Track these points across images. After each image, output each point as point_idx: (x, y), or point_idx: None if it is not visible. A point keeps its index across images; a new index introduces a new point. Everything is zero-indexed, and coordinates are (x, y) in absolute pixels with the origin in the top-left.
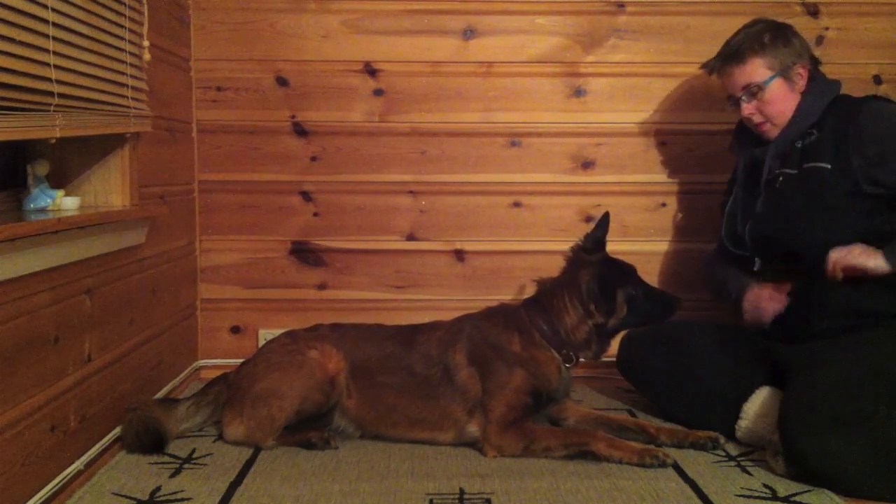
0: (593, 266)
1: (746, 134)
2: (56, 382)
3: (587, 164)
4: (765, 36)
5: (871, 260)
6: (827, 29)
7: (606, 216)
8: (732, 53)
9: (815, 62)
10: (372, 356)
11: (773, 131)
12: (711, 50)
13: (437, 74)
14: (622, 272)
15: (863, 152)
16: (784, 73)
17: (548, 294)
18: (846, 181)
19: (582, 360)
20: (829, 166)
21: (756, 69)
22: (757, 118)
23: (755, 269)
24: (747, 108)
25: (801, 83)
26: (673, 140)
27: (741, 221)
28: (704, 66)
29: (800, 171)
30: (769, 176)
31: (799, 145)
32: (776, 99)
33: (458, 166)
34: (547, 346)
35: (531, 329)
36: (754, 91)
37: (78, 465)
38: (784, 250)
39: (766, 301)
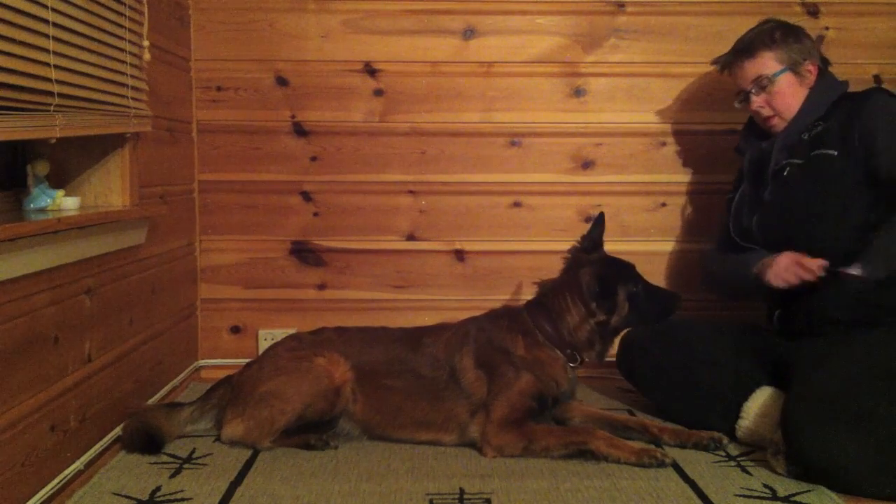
0: (593, 265)
1: (754, 131)
2: (56, 382)
3: (587, 164)
4: (776, 32)
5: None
6: (827, 29)
7: (601, 216)
8: (744, 48)
9: (825, 62)
10: (378, 359)
11: (781, 125)
12: (711, 50)
13: (437, 74)
14: (622, 269)
15: (867, 140)
16: (793, 67)
17: (549, 295)
18: (852, 168)
19: (586, 360)
20: (836, 153)
21: (766, 62)
22: (766, 111)
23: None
24: (757, 101)
25: (811, 79)
26: (673, 140)
27: (748, 214)
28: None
29: (807, 160)
30: (776, 167)
31: (806, 136)
32: (785, 92)
33: (458, 166)
34: (551, 346)
35: (534, 331)
36: (764, 84)
37: (78, 465)
38: (794, 240)
39: (799, 268)
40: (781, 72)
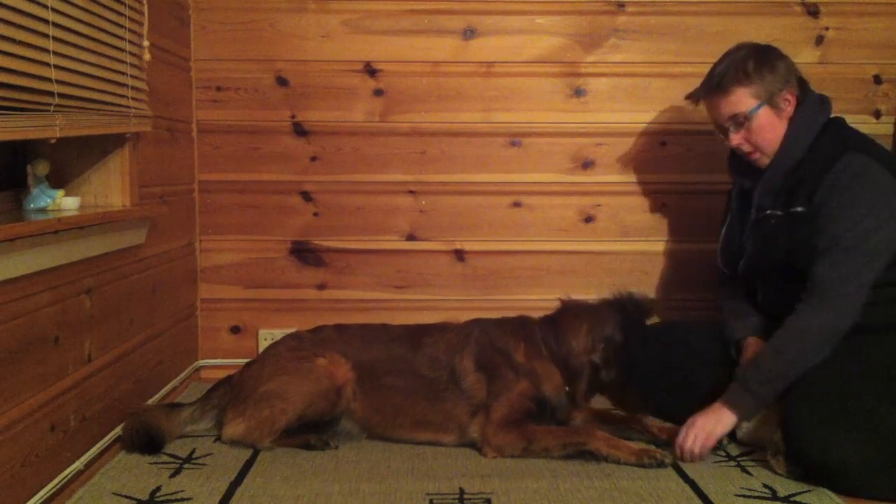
0: (629, 317)
1: (739, 160)
2: (56, 382)
3: (587, 164)
4: (749, 63)
5: (719, 428)
6: (827, 29)
7: (655, 304)
8: (716, 84)
9: (802, 85)
10: (378, 358)
11: (763, 160)
12: (711, 50)
13: (437, 74)
14: (650, 345)
15: (823, 209)
16: (770, 100)
17: (568, 314)
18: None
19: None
20: (806, 211)
21: (741, 99)
22: (746, 147)
23: (759, 297)
24: (735, 138)
25: (789, 109)
26: (673, 140)
27: (736, 252)
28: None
29: (786, 215)
30: (758, 215)
31: (788, 181)
32: (764, 128)
33: (458, 166)
34: (551, 363)
35: (539, 342)
36: (741, 121)
37: (78, 465)
38: (775, 288)
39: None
40: (758, 107)
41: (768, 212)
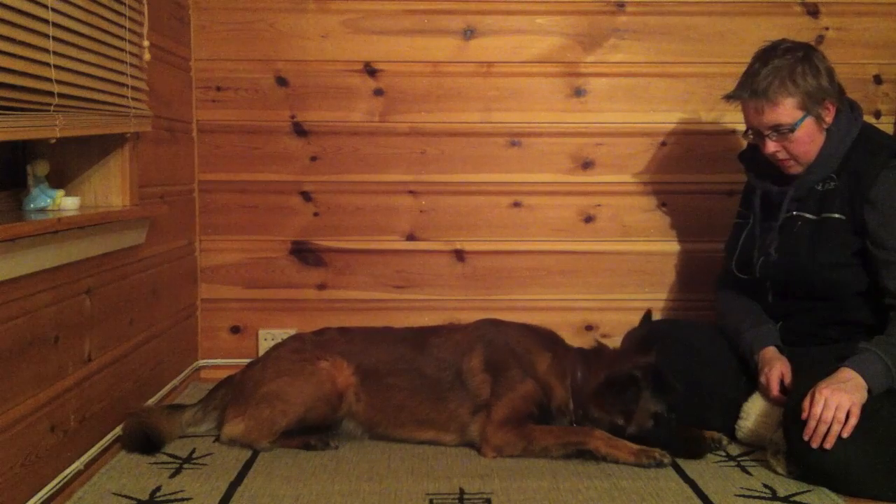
0: (648, 377)
1: (762, 163)
2: (56, 382)
3: (587, 164)
4: (796, 70)
5: (857, 398)
6: (827, 29)
7: (648, 314)
8: (763, 91)
9: (841, 92)
10: (382, 359)
11: (795, 168)
12: (711, 50)
13: (437, 74)
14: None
15: (875, 221)
16: (814, 111)
17: (604, 358)
18: (857, 237)
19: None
20: (844, 218)
21: (788, 110)
22: (782, 155)
23: (769, 300)
24: (773, 146)
25: (829, 119)
26: (673, 140)
27: (756, 254)
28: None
29: (819, 219)
30: (786, 216)
31: (820, 188)
32: (805, 140)
33: (458, 166)
34: (568, 388)
35: (566, 368)
36: (784, 132)
37: (78, 465)
38: (796, 295)
39: (774, 391)
40: (802, 119)
41: (795, 213)
